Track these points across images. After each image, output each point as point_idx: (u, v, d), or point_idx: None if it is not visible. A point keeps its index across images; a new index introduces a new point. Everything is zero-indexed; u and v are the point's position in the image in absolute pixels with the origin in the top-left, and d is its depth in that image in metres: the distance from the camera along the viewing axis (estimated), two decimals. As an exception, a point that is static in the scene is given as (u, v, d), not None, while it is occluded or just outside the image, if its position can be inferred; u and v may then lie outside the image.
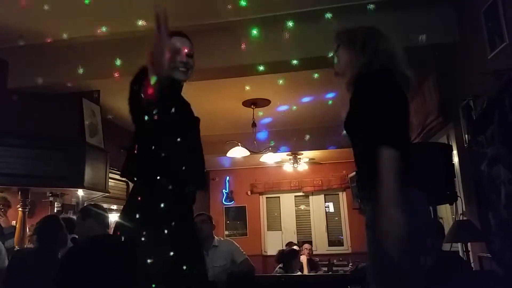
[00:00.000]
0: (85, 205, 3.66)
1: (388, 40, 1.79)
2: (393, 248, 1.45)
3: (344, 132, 1.78)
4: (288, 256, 4.90)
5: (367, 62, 1.72)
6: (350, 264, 5.77)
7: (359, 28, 1.86)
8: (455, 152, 3.53)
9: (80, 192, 4.20)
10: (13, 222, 3.88)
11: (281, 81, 4.51)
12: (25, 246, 3.69)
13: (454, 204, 3.18)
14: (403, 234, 1.43)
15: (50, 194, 4.14)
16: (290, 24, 3.46)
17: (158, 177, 1.68)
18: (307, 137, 5.86)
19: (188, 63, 1.86)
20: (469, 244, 3.19)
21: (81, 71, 3.72)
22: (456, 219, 3.27)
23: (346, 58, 1.82)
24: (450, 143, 3.73)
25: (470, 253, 3.17)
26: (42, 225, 3.03)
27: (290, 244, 6.37)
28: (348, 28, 1.90)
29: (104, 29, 3.53)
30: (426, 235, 1.68)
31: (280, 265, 4.85)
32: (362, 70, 1.71)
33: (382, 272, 1.57)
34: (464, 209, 3.34)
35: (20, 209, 3.78)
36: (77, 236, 3.11)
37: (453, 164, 3.23)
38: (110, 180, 4.51)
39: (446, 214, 4.11)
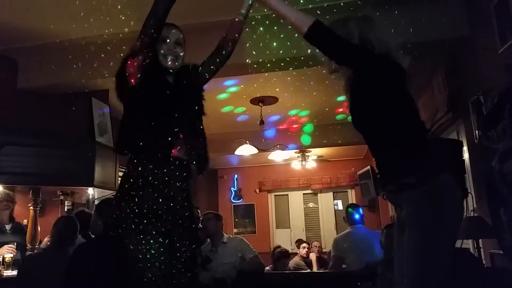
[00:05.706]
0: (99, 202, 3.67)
1: (381, 30, 1.73)
2: None
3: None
4: (278, 256, 4.90)
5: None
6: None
7: (352, 20, 1.75)
8: (465, 148, 3.49)
9: (90, 191, 4.24)
10: (25, 221, 3.92)
11: (289, 78, 4.50)
12: (37, 244, 3.72)
13: (464, 201, 3.15)
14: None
15: (61, 193, 4.19)
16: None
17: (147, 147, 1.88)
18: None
19: (176, 52, 1.95)
20: (480, 240, 3.16)
21: (90, 70, 3.75)
22: (467, 216, 3.24)
23: None
24: (460, 139, 3.69)
25: (482, 249, 3.14)
26: (63, 226, 3.04)
27: (299, 241, 6.36)
28: (341, 21, 1.77)
29: (112, 28, 3.54)
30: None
31: (270, 265, 4.86)
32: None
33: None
34: (475, 206, 3.31)
35: (31, 207, 3.82)
36: (90, 233, 3.11)
37: (464, 160, 3.20)
38: (119, 178, 4.54)
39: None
